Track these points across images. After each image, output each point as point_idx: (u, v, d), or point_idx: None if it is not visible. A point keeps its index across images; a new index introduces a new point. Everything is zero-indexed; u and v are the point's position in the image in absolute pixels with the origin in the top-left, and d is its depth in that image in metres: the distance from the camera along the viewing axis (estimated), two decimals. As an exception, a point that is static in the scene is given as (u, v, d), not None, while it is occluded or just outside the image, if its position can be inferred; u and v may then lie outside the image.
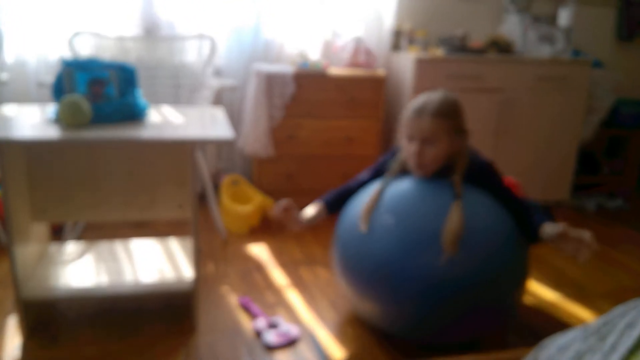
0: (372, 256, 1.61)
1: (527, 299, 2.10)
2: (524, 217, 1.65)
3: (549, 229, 1.55)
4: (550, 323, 1.96)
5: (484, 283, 1.54)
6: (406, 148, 1.67)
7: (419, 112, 1.61)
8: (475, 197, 1.64)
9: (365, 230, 1.63)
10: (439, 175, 1.66)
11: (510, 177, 2.05)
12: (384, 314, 1.66)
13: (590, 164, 3.64)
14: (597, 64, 3.50)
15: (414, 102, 1.65)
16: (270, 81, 2.75)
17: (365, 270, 1.64)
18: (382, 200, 1.67)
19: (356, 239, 1.68)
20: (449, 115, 1.61)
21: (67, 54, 2.58)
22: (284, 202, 1.76)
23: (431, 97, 1.63)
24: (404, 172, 1.74)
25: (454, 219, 1.52)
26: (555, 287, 2.23)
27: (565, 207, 3.29)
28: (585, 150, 3.53)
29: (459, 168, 1.63)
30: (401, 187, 1.69)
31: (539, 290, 2.20)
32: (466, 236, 1.52)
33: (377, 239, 1.61)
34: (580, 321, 1.95)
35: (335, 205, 1.87)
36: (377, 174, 1.83)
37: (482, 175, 1.68)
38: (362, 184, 1.86)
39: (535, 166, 3.17)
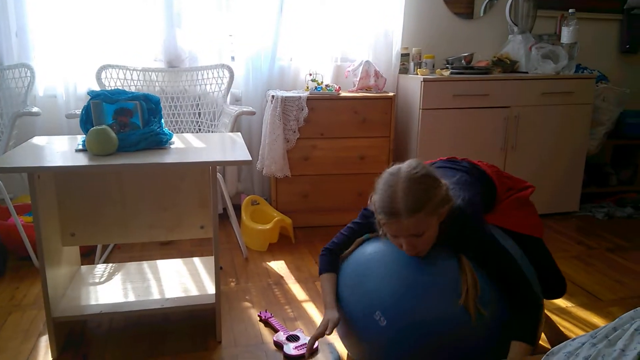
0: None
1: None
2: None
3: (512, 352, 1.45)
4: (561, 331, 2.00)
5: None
6: (393, 242, 1.52)
7: (393, 214, 1.41)
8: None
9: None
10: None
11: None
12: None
13: (598, 174, 3.70)
14: (602, 78, 3.58)
15: (382, 200, 1.44)
16: (286, 105, 2.87)
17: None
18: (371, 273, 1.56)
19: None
20: (426, 202, 1.40)
21: (95, 87, 2.72)
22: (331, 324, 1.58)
23: (397, 189, 1.41)
24: None
25: (467, 272, 1.45)
26: (567, 295, 2.18)
27: (575, 218, 3.34)
28: (592, 161, 3.59)
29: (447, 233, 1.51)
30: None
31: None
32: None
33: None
34: (591, 329, 1.96)
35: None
36: (364, 228, 1.71)
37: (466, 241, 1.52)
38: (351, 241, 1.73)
39: (543, 179, 3.23)
